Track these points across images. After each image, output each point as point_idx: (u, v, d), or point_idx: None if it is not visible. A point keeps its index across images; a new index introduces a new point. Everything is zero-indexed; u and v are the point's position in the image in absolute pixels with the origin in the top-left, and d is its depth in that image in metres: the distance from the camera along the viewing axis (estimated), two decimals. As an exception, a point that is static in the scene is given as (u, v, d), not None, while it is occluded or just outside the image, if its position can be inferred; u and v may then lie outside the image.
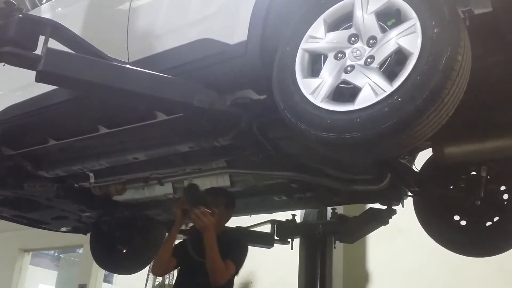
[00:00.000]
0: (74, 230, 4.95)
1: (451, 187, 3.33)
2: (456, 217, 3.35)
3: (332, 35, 2.13)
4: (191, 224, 3.32)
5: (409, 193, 3.42)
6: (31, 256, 10.53)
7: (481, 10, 2.04)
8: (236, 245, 3.41)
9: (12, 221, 4.73)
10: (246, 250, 3.43)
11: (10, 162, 3.63)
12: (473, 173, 3.21)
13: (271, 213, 4.46)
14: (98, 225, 4.69)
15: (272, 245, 4.71)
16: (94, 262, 5.10)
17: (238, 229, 4.65)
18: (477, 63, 1.98)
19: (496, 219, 3.25)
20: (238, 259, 3.32)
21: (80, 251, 10.12)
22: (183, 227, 3.44)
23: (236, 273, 3.33)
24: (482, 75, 2.14)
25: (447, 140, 2.75)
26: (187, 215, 3.25)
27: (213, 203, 3.28)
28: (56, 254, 13.76)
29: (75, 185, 3.93)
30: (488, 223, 3.27)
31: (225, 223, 3.54)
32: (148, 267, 6.74)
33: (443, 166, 3.12)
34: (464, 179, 3.26)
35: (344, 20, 2.13)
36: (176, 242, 3.48)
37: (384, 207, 3.70)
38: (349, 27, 2.10)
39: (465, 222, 3.33)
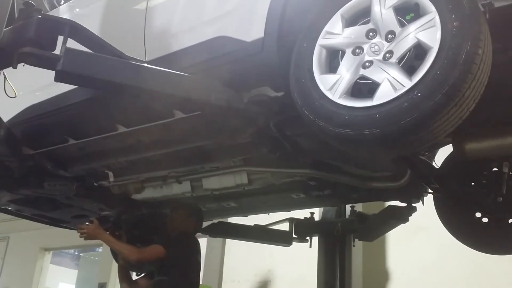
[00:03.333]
0: (94, 228, 4.99)
1: (473, 183, 3.29)
2: (478, 214, 3.31)
3: (350, 30, 2.11)
4: None
5: (430, 190, 3.38)
6: (51, 255, 10.66)
7: (502, 3, 2.01)
8: (172, 238, 3.87)
9: (33, 220, 4.80)
10: (180, 240, 3.86)
11: (30, 161, 3.68)
12: (495, 169, 3.17)
13: (289, 211, 4.45)
14: (117, 223, 4.72)
15: (291, 243, 4.70)
16: (114, 260, 5.14)
17: (256, 227, 4.66)
18: (498, 56, 1.95)
19: (518, 216, 3.20)
20: (168, 244, 3.74)
21: (100, 250, 10.20)
22: None
23: (171, 254, 3.68)
24: (503, 69, 2.11)
25: (468, 135, 2.71)
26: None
27: (173, 217, 3.94)
28: (76, 253, 13.90)
29: (95, 184, 3.97)
30: (511, 220, 3.22)
31: (186, 228, 3.91)
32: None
33: (464, 162, 3.08)
34: (485, 176, 3.21)
35: (361, 15, 2.11)
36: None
37: (404, 204, 3.66)
38: (366, 22, 2.08)
39: (487, 219, 3.29)
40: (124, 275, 4.11)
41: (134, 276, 4.33)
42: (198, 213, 4.04)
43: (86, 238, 3.83)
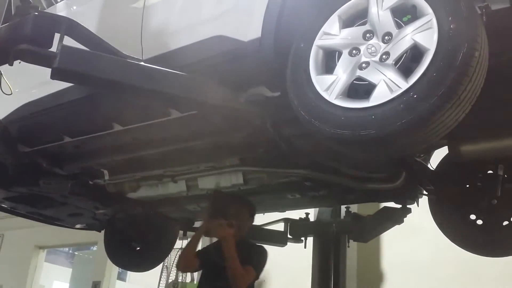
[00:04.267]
0: (89, 227, 4.99)
1: (467, 186, 3.29)
2: (472, 216, 3.31)
3: (347, 31, 2.11)
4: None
5: (425, 192, 3.39)
6: (46, 253, 10.63)
7: (499, 5, 2.01)
8: (256, 251, 3.54)
9: (27, 218, 4.78)
10: (266, 256, 3.55)
11: (26, 159, 3.67)
12: (490, 171, 3.17)
13: (284, 211, 4.45)
14: (112, 222, 4.71)
15: (286, 244, 4.69)
16: (108, 259, 5.13)
17: (251, 227, 4.65)
18: (495, 59, 1.96)
19: (513, 218, 3.21)
20: (258, 265, 3.46)
21: (94, 248, 10.18)
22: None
23: (256, 277, 3.45)
24: (499, 72, 2.11)
25: (463, 138, 2.71)
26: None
27: (236, 213, 3.48)
28: (70, 251, 13.88)
29: (90, 182, 3.95)
30: (505, 223, 3.23)
31: (246, 230, 3.65)
32: (161, 264, 6.78)
33: (459, 164, 3.08)
34: (480, 178, 3.22)
35: (359, 17, 2.12)
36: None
37: (399, 206, 3.67)
38: (364, 24, 2.08)
39: (481, 221, 3.29)
40: (192, 256, 3.52)
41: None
42: (255, 212, 3.72)
43: (216, 236, 3.41)
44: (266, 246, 4.05)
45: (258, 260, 3.49)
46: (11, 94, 2.93)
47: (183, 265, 3.77)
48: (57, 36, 2.48)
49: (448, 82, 1.77)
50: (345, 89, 2.01)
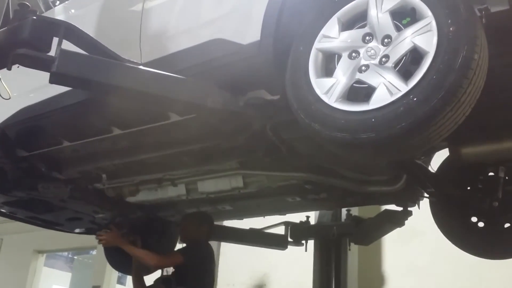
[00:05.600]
0: (88, 231, 4.97)
1: (468, 188, 3.28)
2: (474, 219, 3.30)
3: (346, 34, 2.11)
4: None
5: (425, 195, 3.38)
6: (45, 258, 10.60)
7: (498, 8, 2.01)
8: (190, 244, 3.99)
9: (26, 223, 4.76)
10: (197, 249, 3.95)
11: (24, 163, 3.66)
12: (491, 174, 3.16)
13: (284, 215, 4.44)
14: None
15: (286, 247, 4.68)
16: (108, 263, 5.11)
17: (251, 230, 4.65)
18: (494, 62, 1.95)
19: (514, 220, 3.20)
20: (186, 252, 3.91)
21: (94, 252, 10.17)
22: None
23: (184, 261, 3.79)
24: (499, 74, 2.11)
25: (464, 140, 2.71)
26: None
27: (185, 226, 4.05)
28: (70, 255, 13.86)
29: (89, 186, 3.94)
30: (507, 225, 3.22)
31: (199, 236, 3.99)
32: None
33: (460, 167, 3.07)
34: (481, 180, 3.21)
35: (358, 19, 2.11)
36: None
37: (400, 208, 3.66)
38: (363, 26, 2.08)
39: (482, 223, 3.28)
40: (138, 282, 4.14)
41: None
42: (209, 220, 4.10)
43: (105, 245, 4.02)
44: (265, 250, 4.10)
45: (187, 248, 3.95)
46: (10, 98, 2.92)
47: None
48: (55, 40, 2.48)
49: (448, 85, 1.76)
50: (344, 92, 2.00)
